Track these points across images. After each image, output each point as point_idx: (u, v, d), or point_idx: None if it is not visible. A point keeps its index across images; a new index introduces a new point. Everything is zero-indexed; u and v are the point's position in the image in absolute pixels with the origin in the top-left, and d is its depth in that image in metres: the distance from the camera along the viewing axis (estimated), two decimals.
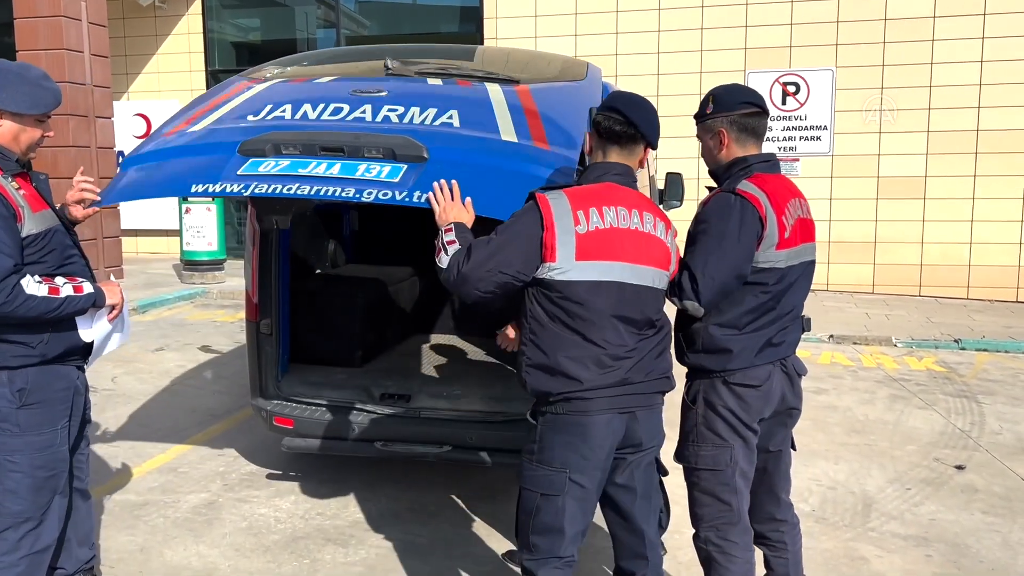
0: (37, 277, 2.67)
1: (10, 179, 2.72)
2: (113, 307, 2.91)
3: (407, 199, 2.72)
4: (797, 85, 10.98)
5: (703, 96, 2.85)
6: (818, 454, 5.11)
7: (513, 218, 2.48)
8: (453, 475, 4.63)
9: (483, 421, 4.13)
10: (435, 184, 2.68)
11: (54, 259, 2.79)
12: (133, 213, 13.47)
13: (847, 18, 10.69)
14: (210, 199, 11.05)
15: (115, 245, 11.48)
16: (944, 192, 10.57)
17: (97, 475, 4.48)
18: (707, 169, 2.90)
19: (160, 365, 7.20)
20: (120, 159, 11.70)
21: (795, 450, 3.01)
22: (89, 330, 2.86)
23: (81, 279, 2.82)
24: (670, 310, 2.62)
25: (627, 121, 2.53)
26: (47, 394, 2.79)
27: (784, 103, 11.02)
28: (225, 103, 3.49)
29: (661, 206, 5.58)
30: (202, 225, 11.15)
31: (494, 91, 3.46)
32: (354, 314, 4.95)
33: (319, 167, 2.86)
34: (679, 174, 6.53)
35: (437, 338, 5.75)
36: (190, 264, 11.24)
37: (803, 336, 2.92)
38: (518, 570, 3.56)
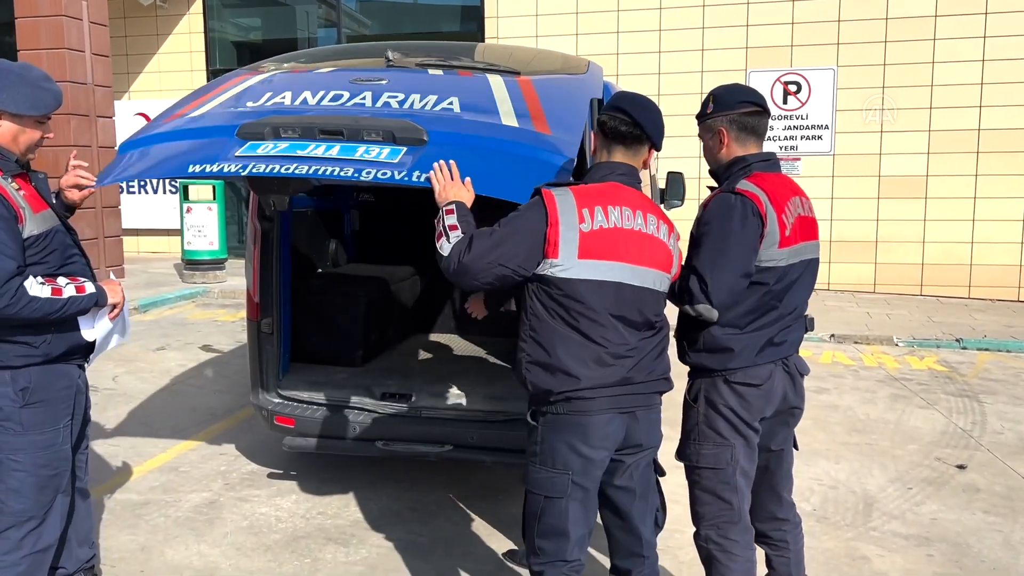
0: (40, 278, 2.66)
1: (10, 180, 2.71)
2: (114, 306, 2.91)
3: (406, 179, 2.68)
4: (798, 84, 10.97)
5: (704, 96, 2.85)
6: (819, 453, 5.11)
7: (518, 211, 2.47)
8: (454, 474, 4.63)
9: (484, 420, 4.13)
10: (435, 164, 2.65)
11: (56, 259, 2.79)
12: (134, 213, 13.49)
13: (848, 17, 10.68)
14: (211, 200, 11.08)
15: (116, 244, 11.49)
16: (945, 191, 10.56)
17: (98, 474, 4.49)
18: (708, 169, 2.90)
19: (161, 364, 7.20)
20: None
21: (797, 449, 3.00)
22: (91, 329, 2.86)
23: (83, 279, 2.82)
24: (669, 311, 2.61)
25: (633, 122, 2.53)
26: (50, 393, 2.79)
27: (785, 102, 11.01)
28: (224, 92, 3.46)
29: (662, 205, 5.60)
30: (203, 224, 11.15)
31: (495, 80, 3.43)
32: (355, 313, 4.95)
33: (318, 149, 2.83)
34: (680, 173, 6.52)
35: (438, 337, 5.74)
36: (191, 263, 11.25)
37: (805, 335, 2.92)
38: (519, 569, 3.58)
